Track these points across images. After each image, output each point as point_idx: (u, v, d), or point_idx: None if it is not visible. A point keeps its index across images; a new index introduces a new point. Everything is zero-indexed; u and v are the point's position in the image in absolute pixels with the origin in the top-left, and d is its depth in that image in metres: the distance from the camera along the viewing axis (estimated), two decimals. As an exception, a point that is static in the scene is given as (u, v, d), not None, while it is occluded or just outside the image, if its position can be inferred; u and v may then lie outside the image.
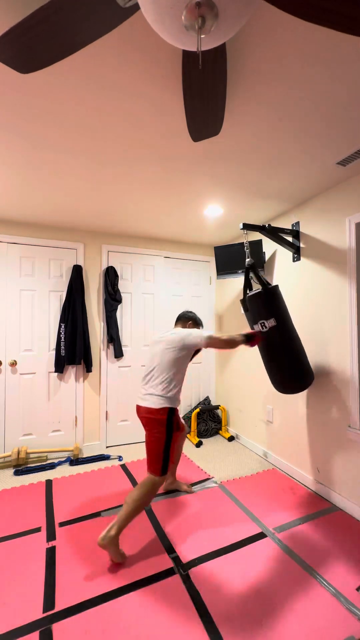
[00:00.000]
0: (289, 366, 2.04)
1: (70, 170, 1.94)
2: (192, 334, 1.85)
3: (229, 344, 1.87)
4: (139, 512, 1.67)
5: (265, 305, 2.02)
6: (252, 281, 2.26)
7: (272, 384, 2.18)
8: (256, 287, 2.15)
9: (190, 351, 1.88)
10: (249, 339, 1.94)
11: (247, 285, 2.19)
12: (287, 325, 2.05)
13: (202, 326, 2.20)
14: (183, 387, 3.57)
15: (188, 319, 2.14)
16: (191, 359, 1.99)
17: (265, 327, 2.02)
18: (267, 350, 2.09)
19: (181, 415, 3.58)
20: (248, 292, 2.16)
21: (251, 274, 2.16)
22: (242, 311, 2.15)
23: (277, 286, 2.08)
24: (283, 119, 1.47)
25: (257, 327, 2.07)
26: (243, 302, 2.13)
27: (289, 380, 2.07)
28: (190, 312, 2.19)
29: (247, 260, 2.12)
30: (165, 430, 1.78)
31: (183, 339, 1.84)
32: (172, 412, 1.81)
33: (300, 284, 2.49)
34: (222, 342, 1.85)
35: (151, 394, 1.82)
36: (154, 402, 1.80)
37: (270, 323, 2.00)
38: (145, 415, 1.81)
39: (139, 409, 1.86)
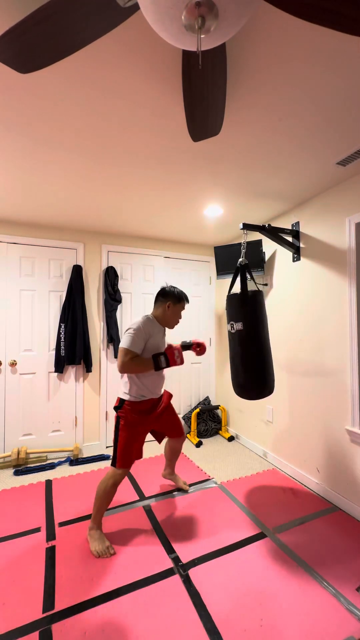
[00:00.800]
0: (243, 371, 1.98)
1: (70, 170, 1.94)
2: (125, 337, 1.74)
3: (133, 366, 1.69)
4: (104, 504, 1.74)
5: (239, 307, 1.96)
6: (247, 281, 2.20)
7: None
8: (251, 287, 2.12)
9: (141, 345, 1.75)
10: (159, 365, 1.73)
11: (243, 283, 2.12)
12: (255, 333, 1.95)
13: (184, 300, 1.93)
14: (183, 387, 3.59)
15: (166, 298, 1.89)
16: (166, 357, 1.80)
17: (233, 329, 1.98)
18: (230, 352, 2.05)
19: (181, 415, 3.58)
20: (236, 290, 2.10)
21: (246, 274, 2.13)
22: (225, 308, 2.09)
23: (260, 291, 2.01)
24: (283, 119, 1.47)
25: (228, 327, 2.03)
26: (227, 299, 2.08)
27: (239, 385, 2.02)
28: (168, 287, 1.91)
29: (240, 260, 2.08)
30: (115, 419, 1.84)
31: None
32: (121, 402, 1.84)
33: (300, 284, 2.49)
34: (124, 365, 1.67)
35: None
36: (120, 394, 1.87)
37: (238, 326, 1.94)
38: None
39: None
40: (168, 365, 1.77)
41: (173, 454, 2.26)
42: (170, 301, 1.88)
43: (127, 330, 1.77)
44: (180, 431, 2.13)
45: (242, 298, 1.96)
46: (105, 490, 1.73)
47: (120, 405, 1.84)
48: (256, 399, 2.04)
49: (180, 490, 2.32)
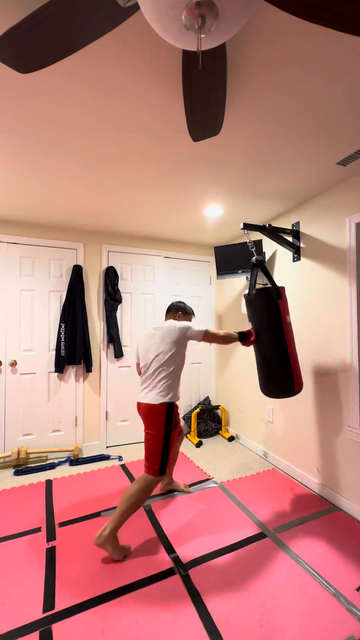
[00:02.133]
0: (276, 369, 1.93)
1: (70, 171, 1.94)
2: (191, 329, 1.83)
3: (224, 340, 1.88)
4: (133, 511, 1.66)
5: (286, 300, 1.96)
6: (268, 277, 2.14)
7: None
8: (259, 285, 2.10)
9: (186, 344, 1.89)
10: (242, 338, 1.92)
11: (269, 278, 2.04)
12: (273, 331, 1.91)
13: (193, 315, 2.17)
14: (183, 387, 3.59)
15: (177, 310, 2.09)
16: None
17: (289, 321, 1.95)
18: (291, 345, 1.96)
19: (181, 415, 3.58)
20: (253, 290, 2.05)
21: (259, 271, 2.11)
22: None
23: (283, 287, 1.97)
24: (283, 119, 1.47)
25: (288, 318, 1.96)
26: (276, 290, 1.96)
27: (263, 384, 2.00)
28: (180, 302, 2.14)
29: (255, 257, 2.03)
30: (164, 427, 1.76)
31: (182, 333, 1.81)
32: (170, 407, 1.79)
33: (300, 284, 2.49)
34: (217, 338, 1.86)
35: (151, 390, 1.81)
36: (153, 398, 1.78)
37: (289, 319, 1.95)
38: (145, 411, 1.79)
39: (139, 405, 1.86)
40: (248, 339, 1.94)
41: (173, 456, 2.22)
42: (181, 312, 2.09)
43: (190, 326, 1.85)
44: (180, 429, 2.18)
45: (275, 292, 1.92)
46: (145, 495, 1.68)
47: (171, 407, 1.80)
48: (279, 397, 2.00)
49: (179, 489, 2.31)
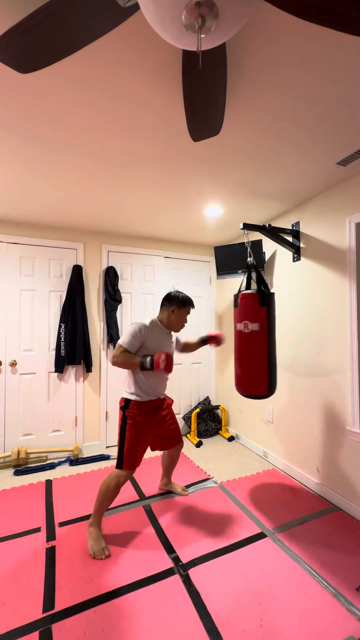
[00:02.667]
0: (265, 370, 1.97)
1: (70, 171, 1.94)
2: (124, 333, 1.81)
3: (124, 364, 1.75)
4: (105, 504, 1.74)
5: (255, 308, 1.96)
6: (252, 281, 2.22)
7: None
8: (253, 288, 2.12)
9: (138, 346, 1.80)
10: (143, 365, 1.71)
11: (248, 284, 2.15)
12: (271, 334, 1.97)
13: (192, 305, 1.98)
14: (183, 387, 3.59)
15: (171, 304, 1.93)
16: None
17: (247, 329, 1.97)
18: (240, 351, 2.03)
19: (181, 415, 3.58)
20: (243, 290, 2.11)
21: (253, 274, 2.14)
22: (234, 307, 2.09)
23: (272, 293, 2.02)
24: (283, 119, 1.47)
25: (240, 326, 2.01)
26: (236, 297, 2.07)
27: (245, 384, 2.02)
28: (174, 292, 1.97)
29: (250, 259, 2.09)
30: (119, 420, 1.84)
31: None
32: (126, 402, 1.84)
33: (300, 284, 2.49)
34: (115, 360, 1.75)
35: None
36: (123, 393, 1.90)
37: (254, 327, 1.94)
38: None
39: None
40: (152, 369, 1.71)
41: (171, 463, 2.22)
42: (175, 306, 1.92)
43: (127, 329, 1.82)
44: (179, 438, 2.11)
45: (262, 299, 1.95)
46: (108, 491, 1.73)
47: (126, 404, 1.84)
48: (263, 399, 2.05)
49: (178, 493, 2.30)
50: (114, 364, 1.78)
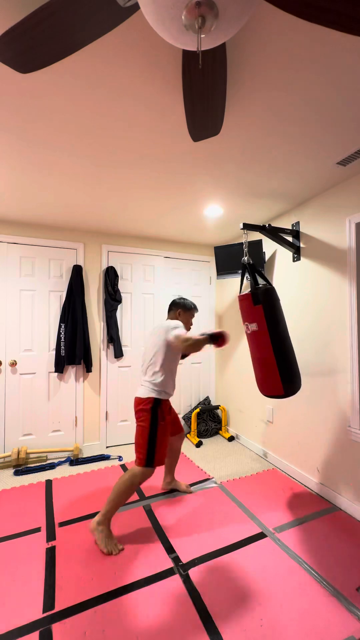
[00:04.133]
0: (275, 369, 1.94)
1: (70, 171, 1.94)
2: (172, 328, 1.86)
3: (191, 347, 1.77)
4: (122, 501, 1.74)
5: (250, 308, 1.95)
6: (252, 279, 2.21)
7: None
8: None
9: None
10: (213, 340, 1.83)
11: (242, 283, 2.15)
12: (273, 331, 1.93)
13: (195, 309, 2.14)
14: (183, 387, 3.59)
15: (177, 307, 2.10)
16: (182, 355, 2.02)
17: (249, 330, 1.97)
18: (251, 353, 2.03)
19: (181, 415, 3.58)
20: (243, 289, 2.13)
21: (247, 273, 2.14)
22: (249, 306, 2.09)
23: (268, 288, 1.96)
24: (283, 119, 1.47)
25: (245, 328, 2.02)
26: (253, 295, 2.00)
27: (261, 384, 2.02)
28: (180, 298, 2.12)
29: (245, 258, 2.08)
30: (149, 418, 1.83)
31: (166, 331, 1.88)
32: (157, 402, 1.86)
33: (300, 284, 2.49)
34: (183, 346, 1.77)
35: (142, 384, 1.93)
36: (142, 392, 1.90)
37: (253, 327, 1.93)
38: (136, 404, 1.91)
39: (134, 400, 1.94)
40: (216, 343, 1.84)
41: (175, 456, 2.24)
42: (180, 309, 2.08)
43: (173, 327, 1.87)
44: (180, 427, 2.19)
45: (257, 297, 1.94)
46: (131, 487, 1.73)
47: (157, 403, 1.86)
48: (283, 397, 2.00)
49: (182, 491, 2.31)
50: (188, 347, 1.76)
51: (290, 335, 2.57)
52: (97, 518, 1.75)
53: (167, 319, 2.10)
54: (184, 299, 2.13)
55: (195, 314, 2.15)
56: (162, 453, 1.83)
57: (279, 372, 1.91)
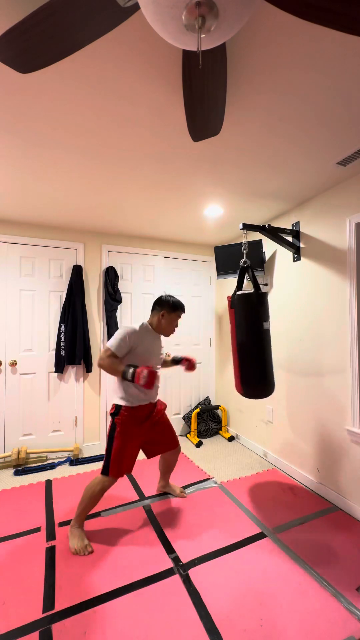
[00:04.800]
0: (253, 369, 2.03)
1: (70, 171, 1.94)
2: (114, 336, 1.77)
3: (106, 368, 1.73)
4: (90, 506, 1.76)
5: (229, 309, 2.04)
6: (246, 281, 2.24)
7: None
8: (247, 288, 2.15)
9: (125, 351, 1.76)
10: (125, 376, 1.68)
11: (240, 284, 2.17)
12: (239, 335, 2.01)
13: (182, 310, 1.93)
14: (183, 387, 3.59)
15: (161, 307, 1.90)
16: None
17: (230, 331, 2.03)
18: (239, 352, 2.05)
19: (181, 415, 3.58)
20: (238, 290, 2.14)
21: (246, 275, 2.16)
22: (228, 308, 2.13)
23: (245, 294, 2.01)
24: (283, 119, 1.47)
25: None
26: (231, 298, 2.08)
27: (248, 383, 2.05)
28: (165, 295, 1.93)
29: (242, 260, 2.11)
30: (109, 426, 1.81)
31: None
32: (117, 409, 1.80)
33: (300, 284, 2.49)
34: (101, 362, 1.73)
35: None
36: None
37: (230, 329, 2.01)
38: None
39: None
40: (132, 381, 1.68)
41: (168, 467, 2.18)
42: (165, 310, 1.88)
43: (117, 332, 1.79)
44: (175, 442, 2.05)
45: (258, 298, 2.00)
46: (92, 496, 1.73)
47: (117, 411, 1.80)
48: (264, 397, 2.09)
49: (176, 495, 2.30)
50: (100, 365, 1.75)
51: (289, 334, 2.58)
52: (72, 522, 1.80)
53: (149, 319, 1.93)
54: (170, 296, 1.92)
55: (182, 316, 1.98)
56: (119, 464, 1.74)
57: (239, 374, 2.04)
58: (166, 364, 2.14)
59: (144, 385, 1.65)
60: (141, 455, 2.95)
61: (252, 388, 2.03)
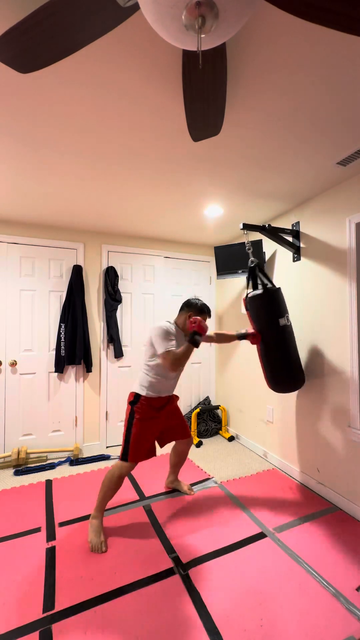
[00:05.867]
0: (278, 367, 2.17)
1: (70, 171, 1.94)
2: (158, 342, 1.81)
3: (181, 359, 1.76)
4: (110, 493, 1.81)
5: (264, 307, 2.09)
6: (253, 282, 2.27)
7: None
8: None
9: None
10: (196, 342, 1.78)
11: (254, 284, 2.21)
12: (263, 335, 2.13)
13: (208, 314, 2.01)
14: (183, 387, 3.59)
15: (189, 309, 1.98)
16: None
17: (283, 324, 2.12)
18: (262, 349, 2.19)
19: (181, 415, 3.58)
20: (250, 291, 2.18)
21: (258, 274, 2.20)
22: (242, 310, 2.17)
23: (257, 295, 2.09)
24: (283, 119, 1.47)
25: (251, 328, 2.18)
26: (245, 301, 2.16)
27: (271, 380, 2.23)
28: (194, 299, 2.01)
29: (250, 260, 2.15)
30: (127, 413, 1.89)
31: (152, 343, 1.86)
32: (137, 397, 1.89)
33: (300, 284, 2.49)
34: (175, 361, 1.75)
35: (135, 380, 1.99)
36: (133, 387, 1.95)
37: (250, 330, 2.14)
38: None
39: None
40: (202, 336, 1.81)
41: (180, 458, 2.24)
42: (192, 312, 1.97)
43: (157, 334, 1.82)
44: (187, 432, 2.16)
45: (268, 297, 2.09)
46: (112, 480, 1.79)
47: (136, 399, 1.89)
48: (291, 391, 2.23)
49: (183, 491, 2.31)
50: (178, 366, 1.76)
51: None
52: (91, 515, 1.84)
53: (176, 318, 2.02)
54: (198, 299, 2.01)
55: (208, 320, 2.03)
56: (138, 449, 1.82)
57: (264, 371, 2.24)
58: (225, 338, 2.17)
59: (206, 328, 1.82)
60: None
61: (283, 384, 2.18)
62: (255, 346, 2.25)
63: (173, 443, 2.26)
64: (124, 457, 1.81)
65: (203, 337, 1.86)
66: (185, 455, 2.24)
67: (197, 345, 1.79)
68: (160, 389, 1.93)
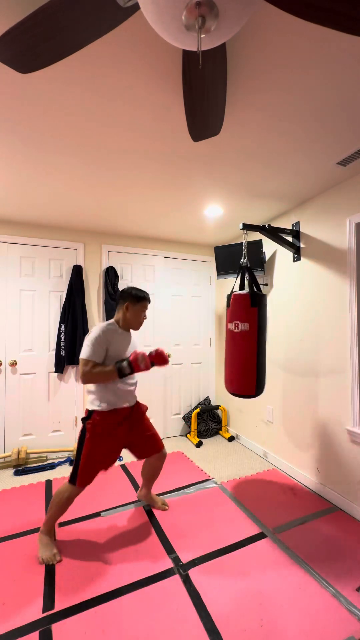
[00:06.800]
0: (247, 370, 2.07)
1: (70, 171, 1.94)
2: (84, 347, 1.66)
3: (95, 377, 1.61)
4: (58, 514, 1.68)
5: (246, 308, 2.04)
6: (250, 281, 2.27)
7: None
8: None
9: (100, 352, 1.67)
10: (123, 371, 1.62)
11: (242, 284, 2.21)
12: (261, 335, 2.07)
13: (147, 300, 1.83)
14: (183, 387, 3.59)
15: (124, 299, 1.79)
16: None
17: (238, 329, 2.04)
18: (231, 350, 2.11)
19: (181, 415, 3.58)
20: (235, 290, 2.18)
21: (246, 275, 2.19)
22: (226, 307, 2.17)
23: (264, 295, 2.09)
24: (282, 119, 1.47)
25: (231, 326, 2.09)
26: (228, 298, 2.13)
27: (233, 382, 2.11)
28: (127, 288, 1.82)
29: (243, 260, 2.14)
30: (80, 432, 1.69)
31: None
32: (89, 414, 1.70)
33: (300, 284, 2.49)
34: (87, 376, 1.60)
35: None
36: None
37: (244, 327, 2.02)
38: None
39: None
40: (132, 372, 1.64)
41: (151, 474, 2.01)
42: (128, 302, 1.78)
43: (85, 341, 1.68)
44: (158, 446, 1.92)
45: (253, 299, 2.04)
46: (61, 501, 1.65)
47: (88, 416, 1.69)
48: (250, 398, 2.12)
49: (179, 490, 2.31)
50: (86, 381, 1.61)
51: (289, 334, 2.58)
52: (41, 528, 1.71)
53: (115, 317, 1.83)
54: (132, 287, 1.81)
55: (148, 306, 1.85)
56: (88, 472, 1.64)
57: (256, 373, 2.05)
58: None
59: (145, 368, 1.63)
60: (141, 455, 2.96)
61: (263, 387, 2.12)
62: (243, 346, 2.17)
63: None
64: (71, 480, 1.64)
65: (136, 370, 1.65)
66: (158, 471, 2.00)
67: (120, 376, 1.63)
68: (114, 400, 1.70)
